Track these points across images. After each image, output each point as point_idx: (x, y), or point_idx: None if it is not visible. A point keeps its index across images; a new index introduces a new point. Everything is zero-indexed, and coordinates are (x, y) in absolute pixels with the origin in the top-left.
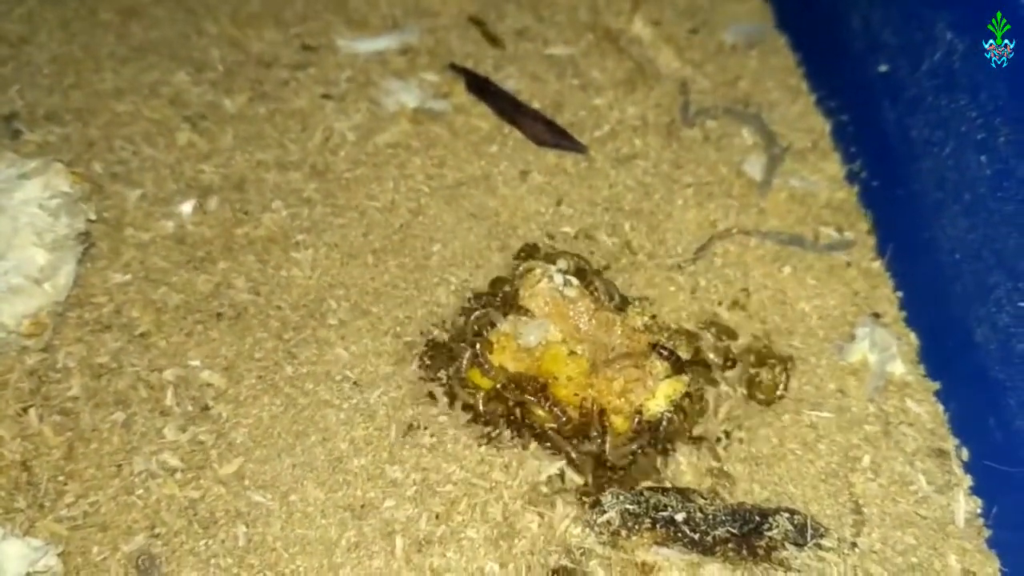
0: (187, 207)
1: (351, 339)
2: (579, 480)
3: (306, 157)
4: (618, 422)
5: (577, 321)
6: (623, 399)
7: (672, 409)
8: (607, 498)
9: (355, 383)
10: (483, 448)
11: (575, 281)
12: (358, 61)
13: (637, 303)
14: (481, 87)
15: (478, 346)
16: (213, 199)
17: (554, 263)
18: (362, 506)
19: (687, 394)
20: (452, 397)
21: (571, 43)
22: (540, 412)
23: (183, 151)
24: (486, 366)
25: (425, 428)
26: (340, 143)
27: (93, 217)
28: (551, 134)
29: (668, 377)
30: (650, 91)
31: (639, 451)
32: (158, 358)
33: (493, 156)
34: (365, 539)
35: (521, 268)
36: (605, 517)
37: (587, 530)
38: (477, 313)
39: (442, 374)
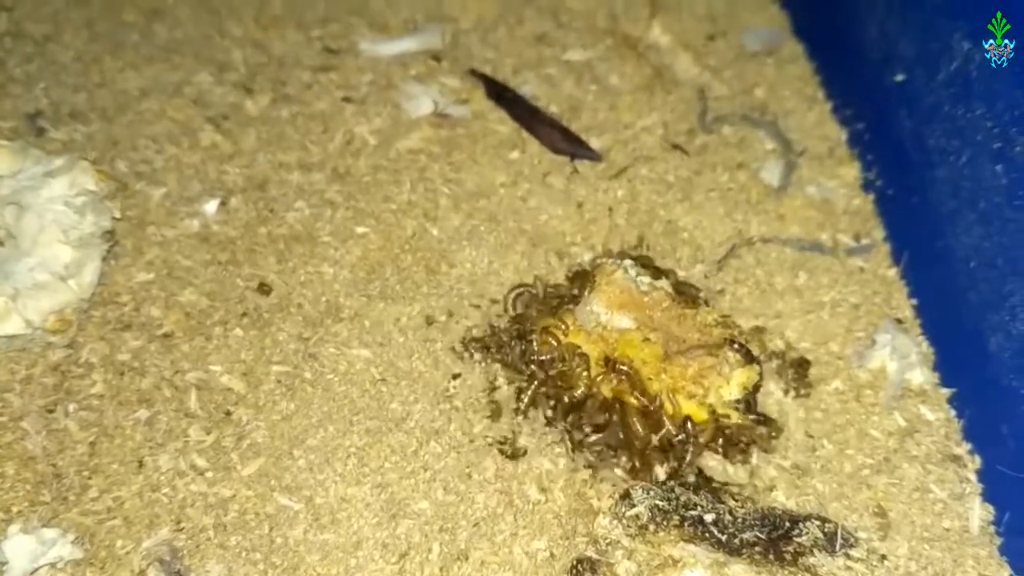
0: (211, 206)
1: (371, 338)
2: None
3: (327, 160)
4: (691, 408)
5: (651, 311)
6: (697, 384)
7: (743, 407)
8: (637, 492)
9: (380, 381)
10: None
11: (647, 278)
12: (379, 65)
13: (708, 304)
14: (499, 94)
15: (536, 331)
16: (236, 199)
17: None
18: (394, 505)
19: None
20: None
21: (589, 48)
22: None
23: (207, 151)
24: (549, 345)
25: (451, 423)
26: (361, 147)
27: (118, 215)
28: (567, 142)
29: (742, 367)
30: (668, 96)
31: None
32: (180, 360)
33: (512, 162)
34: (397, 542)
35: (596, 260)
36: (634, 511)
37: (615, 522)
38: (518, 291)
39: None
